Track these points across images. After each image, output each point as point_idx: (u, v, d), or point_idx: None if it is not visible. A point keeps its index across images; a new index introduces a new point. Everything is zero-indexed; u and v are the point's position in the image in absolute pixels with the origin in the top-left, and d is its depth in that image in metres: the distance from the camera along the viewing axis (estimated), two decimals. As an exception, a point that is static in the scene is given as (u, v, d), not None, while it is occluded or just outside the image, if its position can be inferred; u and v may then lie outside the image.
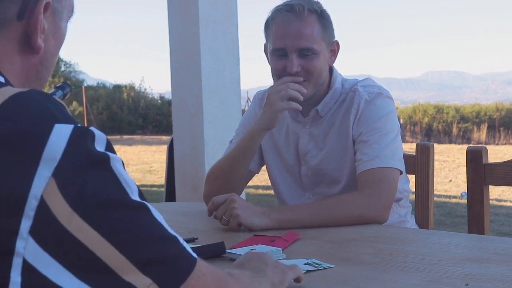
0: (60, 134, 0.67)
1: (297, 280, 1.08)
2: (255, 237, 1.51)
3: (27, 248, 0.64)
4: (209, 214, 1.71)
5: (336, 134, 1.90)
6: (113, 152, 0.72)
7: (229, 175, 1.91)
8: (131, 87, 26.61)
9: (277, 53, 1.84)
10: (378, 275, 1.18)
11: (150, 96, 27.01)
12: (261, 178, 8.39)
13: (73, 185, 0.66)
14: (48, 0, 0.83)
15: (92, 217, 0.66)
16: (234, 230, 1.62)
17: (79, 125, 0.70)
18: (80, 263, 0.66)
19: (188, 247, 0.75)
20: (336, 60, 1.94)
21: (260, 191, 8.48)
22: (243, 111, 3.60)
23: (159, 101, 26.26)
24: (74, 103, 23.55)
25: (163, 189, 4.67)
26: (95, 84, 31.11)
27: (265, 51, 1.93)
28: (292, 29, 1.80)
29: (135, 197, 0.71)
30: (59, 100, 0.74)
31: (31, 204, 0.64)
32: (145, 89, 27.36)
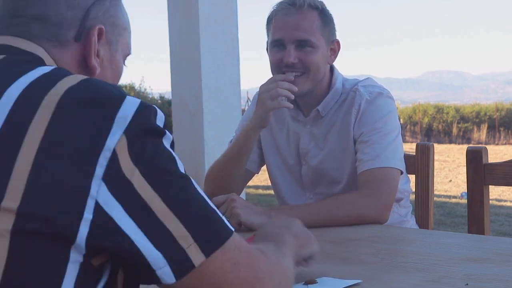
0: (131, 103, 0.80)
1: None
2: (255, 237, 1.51)
3: (99, 191, 0.75)
4: None
5: (336, 134, 1.90)
6: (169, 130, 0.84)
7: (227, 175, 1.92)
8: (131, 87, 26.57)
9: (275, 44, 1.84)
10: (378, 275, 1.18)
11: (150, 96, 26.97)
12: (261, 178, 8.39)
13: (137, 146, 0.77)
14: (101, 26, 0.97)
15: (149, 175, 0.77)
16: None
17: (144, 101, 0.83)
18: (137, 211, 0.76)
19: (226, 220, 0.85)
20: (336, 60, 1.94)
21: (260, 191, 8.48)
22: (243, 111, 3.60)
23: (159, 101, 26.21)
24: (74, 103, 23.52)
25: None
26: (95, 84, 31.03)
27: (267, 48, 1.93)
28: (291, 20, 1.81)
29: (182, 170, 0.82)
30: None
31: (105, 154, 0.75)
32: (145, 89, 27.30)
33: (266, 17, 1.90)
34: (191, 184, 0.82)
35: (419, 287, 1.10)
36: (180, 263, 0.78)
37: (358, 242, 1.49)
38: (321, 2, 1.86)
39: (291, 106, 1.80)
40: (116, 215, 0.75)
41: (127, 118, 0.78)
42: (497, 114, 22.74)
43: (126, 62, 1.07)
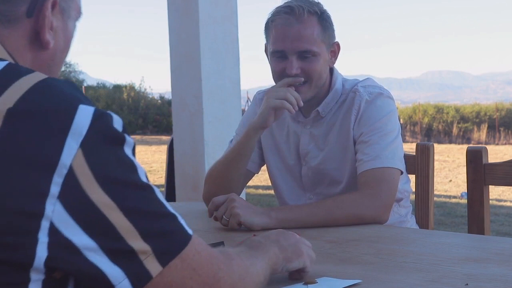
0: (85, 113, 0.75)
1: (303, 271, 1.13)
2: (254, 237, 1.51)
3: (54, 211, 0.71)
4: (209, 215, 1.71)
5: (336, 135, 1.90)
6: (128, 134, 0.81)
7: (228, 175, 1.92)
8: (131, 87, 26.59)
9: (277, 55, 1.84)
10: (378, 275, 1.18)
11: (150, 96, 26.99)
12: (261, 178, 8.39)
13: (96, 158, 0.74)
14: None
15: (108, 187, 0.74)
16: (234, 228, 1.62)
17: (98, 107, 0.79)
18: (96, 227, 0.74)
19: (185, 225, 0.84)
20: (336, 61, 1.94)
21: (260, 191, 8.48)
22: (243, 111, 3.60)
23: (159, 101, 26.25)
24: (74, 103, 23.51)
25: (163, 189, 4.67)
26: (95, 84, 31.12)
27: (266, 51, 1.93)
28: (291, 31, 1.79)
29: (144, 178, 0.80)
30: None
31: (61, 172, 0.72)
32: (145, 89, 27.35)
33: (264, 23, 1.89)
34: (151, 193, 0.80)
35: (419, 287, 1.10)
36: (138, 275, 0.77)
37: (358, 242, 1.49)
38: (319, 5, 1.85)
39: (293, 111, 1.79)
40: (73, 235, 0.72)
41: (82, 130, 0.74)
42: (497, 114, 22.74)
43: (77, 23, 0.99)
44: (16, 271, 0.72)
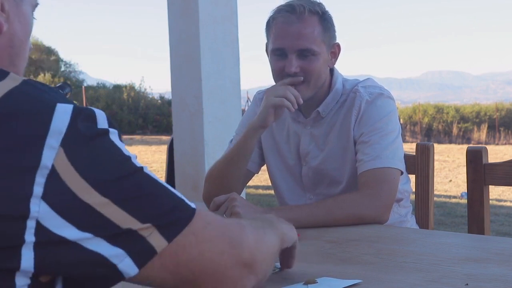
0: (63, 111, 0.74)
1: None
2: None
3: (40, 211, 0.70)
4: None
5: (337, 135, 1.90)
6: (113, 126, 0.79)
7: (228, 175, 1.92)
8: (131, 87, 26.59)
9: (277, 53, 1.83)
10: (378, 275, 1.18)
11: (150, 96, 26.99)
12: (261, 178, 8.38)
13: (79, 155, 0.73)
14: None
15: (97, 183, 0.73)
16: None
17: (77, 104, 0.78)
18: (88, 221, 0.73)
19: (186, 199, 0.82)
20: (336, 62, 1.94)
21: (260, 191, 8.48)
22: (243, 111, 3.59)
23: (159, 101, 26.24)
24: (74, 103, 23.51)
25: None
26: (95, 84, 31.10)
27: (266, 50, 1.93)
28: (292, 29, 1.79)
29: (134, 162, 0.78)
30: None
31: (43, 172, 0.71)
32: (145, 89, 27.34)
33: (266, 21, 1.89)
34: (142, 176, 0.78)
35: (419, 287, 1.10)
36: (140, 252, 0.76)
37: (358, 242, 1.49)
38: (321, 5, 1.84)
39: (293, 109, 1.80)
40: (64, 231, 0.72)
41: (62, 128, 0.73)
42: (497, 114, 22.74)
43: (35, 14, 0.95)
44: (1, 278, 0.71)
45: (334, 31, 1.88)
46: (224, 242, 0.83)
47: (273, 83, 1.88)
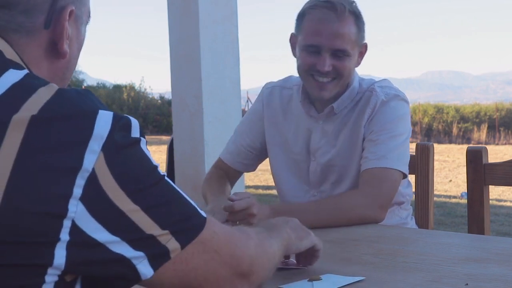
0: (105, 117, 0.77)
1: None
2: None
3: (77, 212, 0.73)
4: (224, 209, 1.61)
5: (349, 133, 1.88)
6: (142, 135, 0.83)
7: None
8: (131, 87, 26.61)
9: (309, 49, 1.80)
10: (378, 275, 1.18)
11: (150, 96, 27.01)
12: (261, 178, 8.36)
13: (117, 161, 0.76)
14: (73, 8, 0.90)
15: (130, 190, 0.77)
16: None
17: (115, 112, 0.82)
18: (119, 226, 0.77)
19: (198, 208, 0.86)
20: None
21: (260, 191, 8.47)
22: (243, 111, 3.59)
23: (159, 101, 26.26)
24: (74, 103, 23.51)
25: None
26: (95, 84, 31.11)
27: (291, 40, 1.90)
28: (330, 28, 1.76)
29: (158, 170, 0.83)
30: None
31: (83, 175, 0.74)
32: (145, 89, 27.37)
33: (298, 13, 1.85)
34: (165, 184, 0.82)
35: (419, 287, 1.10)
36: (156, 255, 0.79)
37: (358, 242, 1.49)
38: (356, 5, 1.82)
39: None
40: (95, 233, 0.75)
41: (103, 135, 0.76)
42: (497, 114, 22.74)
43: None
44: (32, 273, 0.73)
45: (364, 31, 1.86)
46: (227, 254, 0.86)
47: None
